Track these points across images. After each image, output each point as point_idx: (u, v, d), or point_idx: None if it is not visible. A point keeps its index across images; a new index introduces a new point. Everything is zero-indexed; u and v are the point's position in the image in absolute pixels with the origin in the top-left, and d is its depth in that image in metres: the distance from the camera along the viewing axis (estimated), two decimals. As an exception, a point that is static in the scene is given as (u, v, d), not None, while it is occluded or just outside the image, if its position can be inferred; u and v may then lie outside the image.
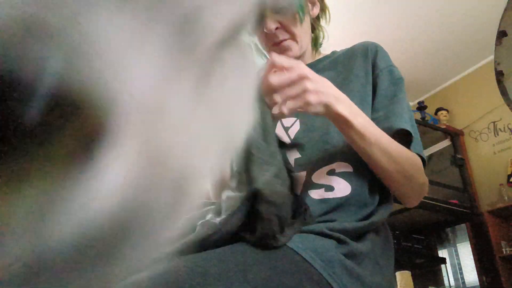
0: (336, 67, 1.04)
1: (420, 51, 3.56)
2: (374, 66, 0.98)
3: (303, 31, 1.03)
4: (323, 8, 1.11)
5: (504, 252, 2.98)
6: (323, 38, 1.12)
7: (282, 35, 1.01)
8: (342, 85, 0.99)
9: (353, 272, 0.68)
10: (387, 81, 0.95)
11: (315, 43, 1.11)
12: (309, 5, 1.07)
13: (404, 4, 3.08)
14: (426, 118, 3.81)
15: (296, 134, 0.96)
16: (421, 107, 3.90)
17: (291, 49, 1.02)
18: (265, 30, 1.01)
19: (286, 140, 0.97)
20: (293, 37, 1.02)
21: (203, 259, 0.56)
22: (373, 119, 0.90)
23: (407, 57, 3.58)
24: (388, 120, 0.88)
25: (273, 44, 1.03)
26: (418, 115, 3.85)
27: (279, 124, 1.00)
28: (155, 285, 0.49)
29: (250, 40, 1.05)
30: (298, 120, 0.99)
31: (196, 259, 0.56)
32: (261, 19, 1.01)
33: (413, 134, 0.85)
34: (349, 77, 0.98)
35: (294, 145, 0.96)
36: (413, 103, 4.18)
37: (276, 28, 1.00)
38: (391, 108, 0.90)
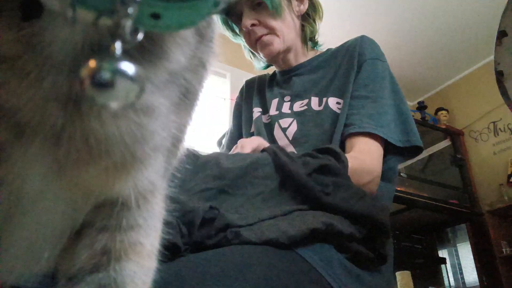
0: (328, 65, 1.05)
1: (420, 51, 3.56)
2: (359, 58, 0.98)
3: (284, 26, 1.03)
4: (315, 5, 1.11)
5: (504, 252, 2.97)
6: (314, 34, 1.12)
7: (260, 31, 1.02)
8: (329, 83, 1.00)
9: (352, 271, 0.68)
10: (364, 77, 0.95)
11: (305, 40, 1.11)
12: (294, 1, 1.07)
13: (404, 4, 3.08)
14: (426, 118, 3.81)
15: (294, 134, 0.97)
16: (421, 107, 3.89)
17: (272, 43, 1.03)
18: (243, 29, 1.02)
19: (285, 141, 0.97)
20: (272, 31, 1.02)
21: (203, 259, 0.56)
22: (347, 118, 0.91)
23: (407, 57, 3.57)
24: (353, 122, 0.89)
25: (255, 40, 1.04)
26: (418, 115, 3.85)
27: (276, 125, 1.01)
28: (155, 285, 0.49)
29: (239, 41, 1.05)
30: (295, 120, 1.00)
31: (196, 259, 0.56)
32: (240, 18, 1.03)
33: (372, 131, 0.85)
34: (337, 73, 0.99)
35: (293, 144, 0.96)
36: (413, 103, 4.18)
37: (253, 25, 1.01)
38: (361, 111, 0.90)
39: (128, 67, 0.23)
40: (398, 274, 2.67)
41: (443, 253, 3.46)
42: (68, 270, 0.34)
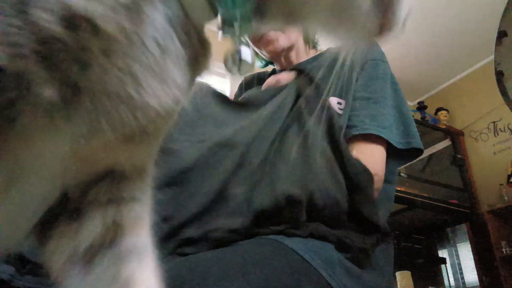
0: (329, 64, 1.05)
1: (420, 51, 3.56)
2: (360, 58, 0.98)
3: None
4: None
5: (504, 252, 2.98)
6: (315, 33, 1.12)
7: None
8: (330, 83, 0.99)
9: (352, 272, 0.68)
10: (366, 78, 0.94)
11: (307, 39, 1.11)
12: None
13: (404, 4, 3.08)
14: (426, 118, 3.81)
15: None
16: (421, 107, 3.89)
17: (278, 39, 1.03)
18: None
19: None
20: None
21: (203, 259, 0.56)
22: (349, 120, 0.91)
23: (407, 57, 3.57)
24: (355, 124, 0.89)
25: (260, 36, 1.04)
26: (418, 115, 3.85)
27: None
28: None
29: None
30: None
31: (196, 259, 0.56)
32: None
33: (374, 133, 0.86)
34: (337, 73, 0.99)
35: None
36: (413, 103, 4.18)
37: None
38: (363, 112, 0.90)
39: (248, 53, 0.40)
40: (398, 274, 2.67)
41: (443, 253, 3.47)
42: (74, 251, 0.34)
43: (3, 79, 0.23)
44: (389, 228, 0.87)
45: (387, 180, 0.92)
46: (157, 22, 0.28)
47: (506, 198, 3.14)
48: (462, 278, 3.33)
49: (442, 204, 3.08)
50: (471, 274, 3.21)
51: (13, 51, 0.23)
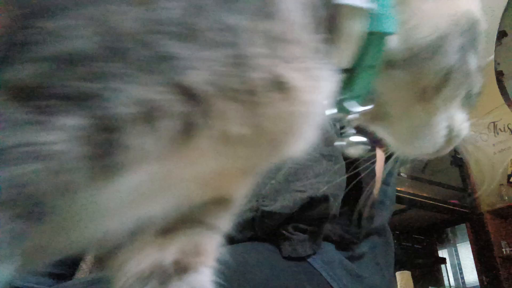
0: None
1: (420, 51, 3.56)
2: None
3: None
4: None
5: (504, 252, 2.97)
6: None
7: None
8: None
9: (353, 272, 0.68)
10: None
11: None
12: None
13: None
14: (426, 118, 3.81)
15: None
16: (421, 107, 3.89)
17: None
18: None
19: None
20: None
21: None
22: None
23: (407, 57, 3.57)
24: None
25: None
26: (418, 115, 3.85)
27: None
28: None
29: None
30: None
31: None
32: None
33: None
34: None
35: None
36: (413, 103, 4.18)
37: None
38: None
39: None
40: (398, 274, 2.67)
41: (443, 253, 3.47)
42: (159, 265, 0.34)
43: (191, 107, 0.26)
44: (388, 228, 0.87)
45: (386, 182, 0.92)
46: None
47: (506, 198, 3.14)
48: (462, 278, 3.33)
49: (442, 204, 3.08)
50: (471, 274, 3.21)
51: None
